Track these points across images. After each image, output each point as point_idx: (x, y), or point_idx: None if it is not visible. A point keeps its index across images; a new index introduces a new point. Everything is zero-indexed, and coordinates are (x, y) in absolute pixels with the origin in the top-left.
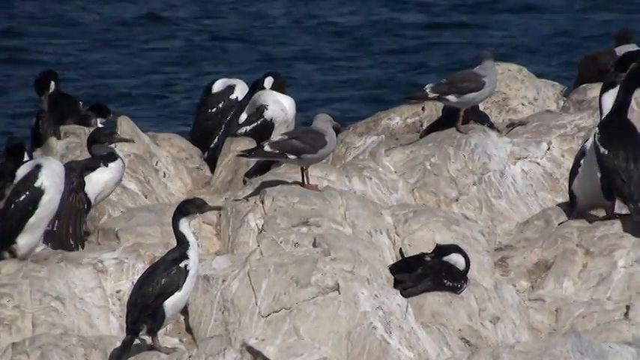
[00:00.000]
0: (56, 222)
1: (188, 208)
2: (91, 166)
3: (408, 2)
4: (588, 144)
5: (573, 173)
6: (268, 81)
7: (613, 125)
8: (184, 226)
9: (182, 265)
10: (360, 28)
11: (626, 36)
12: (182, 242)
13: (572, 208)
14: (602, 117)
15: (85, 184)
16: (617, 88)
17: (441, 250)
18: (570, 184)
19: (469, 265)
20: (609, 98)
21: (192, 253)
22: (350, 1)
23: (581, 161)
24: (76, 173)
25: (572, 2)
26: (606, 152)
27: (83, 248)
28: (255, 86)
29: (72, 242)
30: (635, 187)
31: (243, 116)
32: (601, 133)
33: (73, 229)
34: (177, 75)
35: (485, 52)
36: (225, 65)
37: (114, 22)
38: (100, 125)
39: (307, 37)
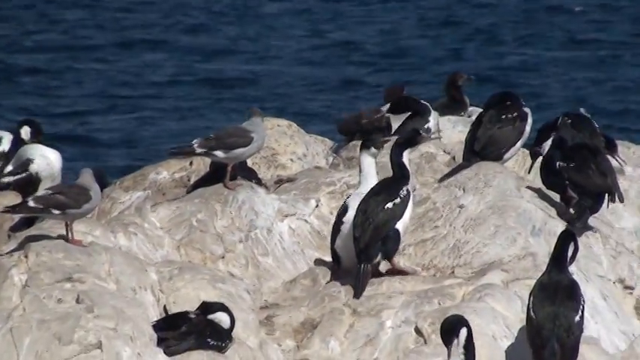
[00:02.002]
0: None
1: None
2: None
3: None
4: (349, 201)
5: (335, 231)
6: (25, 130)
7: (379, 184)
8: None
9: None
10: None
11: (398, 93)
12: None
13: (339, 267)
14: (361, 174)
15: None
16: (372, 149)
17: (206, 308)
18: (333, 243)
19: (234, 323)
20: (365, 158)
21: None
22: None
23: (343, 219)
24: None
25: None
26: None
27: None
28: (20, 137)
29: None
30: (364, 247)
31: (8, 168)
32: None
33: None
34: None
35: (255, 108)
36: None
37: None
38: None
39: None
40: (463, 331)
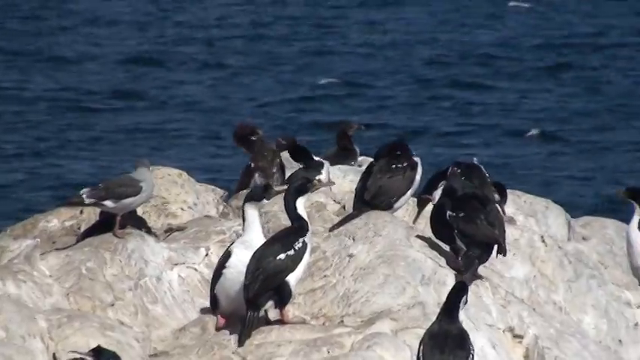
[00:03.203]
0: None
1: None
2: None
3: None
4: (233, 247)
5: (216, 277)
6: None
7: (278, 233)
8: None
9: None
10: None
11: (290, 143)
12: None
13: (215, 312)
14: (245, 223)
15: None
16: (256, 202)
17: (99, 353)
18: (213, 288)
19: None
20: (249, 209)
21: None
22: None
23: (226, 264)
24: None
25: None
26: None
27: None
28: None
29: None
30: (252, 296)
31: None
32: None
33: None
34: None
35: (140, 159)
36: None
37: None
38: None
39: None
40: None
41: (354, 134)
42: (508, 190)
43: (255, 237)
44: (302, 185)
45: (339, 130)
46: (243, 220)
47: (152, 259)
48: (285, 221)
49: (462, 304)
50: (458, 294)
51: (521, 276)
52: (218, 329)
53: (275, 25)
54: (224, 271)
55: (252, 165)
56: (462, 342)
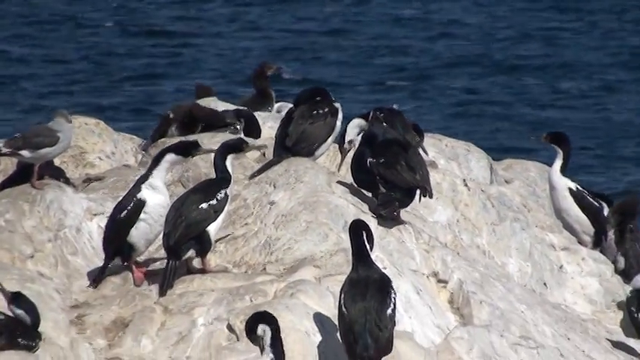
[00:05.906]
0: None
1: None
2: None
3: None
4: (144, 194)
5: (128, 223)
6: None
7: (199, 184)
8: None
9: None
10: None
11: (207, 92)
12: None
13: (128, 259)
14: (157, 168)
15: None
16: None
17: (15, 298)
18: (126, 235)
19: (35, 319)
20: (169, 157)
21: None
22: None
23: (144, 209)
24: None
25: None
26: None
27: None
28: None
29: None
30: (173, 244)
31: None
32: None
33: None
34: None
35: (60, 110)
36: None
37: None
38: None
39: None
40: (265, 328)
41: (272, 75)
42: (429, 135)
43: (160, 183)
44: (235, 144)
45: (257, 70)
46: (156, 164)
47: (71, 209)
48: (205, 169)
49: (368, 244)
50: (357, 235)
51: (444, 220)
52: (138, 285)
53: None
54: (143, 216)
55: (171, 116)
56: (383, 287)
